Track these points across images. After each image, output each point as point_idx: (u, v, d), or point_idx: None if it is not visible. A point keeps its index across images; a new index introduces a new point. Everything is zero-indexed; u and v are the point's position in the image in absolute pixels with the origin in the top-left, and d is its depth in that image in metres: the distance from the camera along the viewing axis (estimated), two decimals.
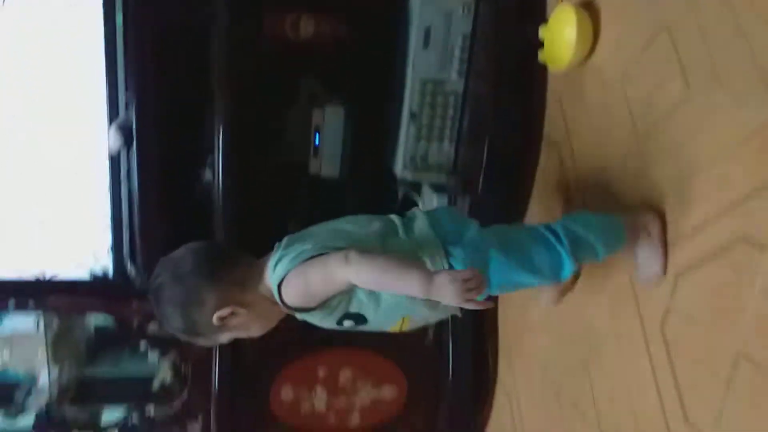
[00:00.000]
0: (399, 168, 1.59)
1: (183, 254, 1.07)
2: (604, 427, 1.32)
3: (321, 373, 1.77)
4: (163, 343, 1.85)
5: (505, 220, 1.35)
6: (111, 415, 2.01)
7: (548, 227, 1.12)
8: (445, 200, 1.58)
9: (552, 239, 1.09)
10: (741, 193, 0.93)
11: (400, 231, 1.09)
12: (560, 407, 1.50)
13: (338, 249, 0.99)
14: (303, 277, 1.00)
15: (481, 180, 1.52)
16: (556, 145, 1.52)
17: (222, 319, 1.04)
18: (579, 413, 1.42)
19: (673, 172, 1.10)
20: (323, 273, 0.98)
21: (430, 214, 1.13)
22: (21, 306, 1.78)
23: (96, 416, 2.02)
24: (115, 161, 1.69)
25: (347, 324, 1.08)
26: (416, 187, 1.63)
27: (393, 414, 1.84)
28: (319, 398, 1.78)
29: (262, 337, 1.13)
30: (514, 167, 1.59)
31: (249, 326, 1.09)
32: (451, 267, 1.03)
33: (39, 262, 1.87)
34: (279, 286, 1.02)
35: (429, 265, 1.02)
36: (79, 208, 1.88)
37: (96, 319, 1.96)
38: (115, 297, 1.81)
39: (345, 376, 1.79)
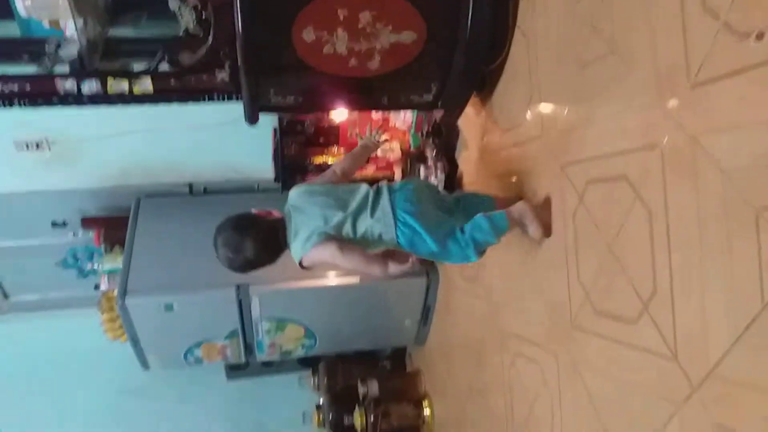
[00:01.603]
0: None
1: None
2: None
3: (341, 15, 1.78)
4: None
5: None
6: (140, 66, 2.10)
7: (461, 230, 1.70)
8: None
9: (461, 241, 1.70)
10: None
11: (368, 209, 1.68)
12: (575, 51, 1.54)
13: (329, 235, 1.65)
14: (311, 260, 1.67)
15: None
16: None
17: None
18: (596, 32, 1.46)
19: None
20: (323, 256, 1.65)
21: (391, 191, 1.71)
22: None
23: (127, 66, 2.11)
24: None
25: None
26: None
27: (411, 58, 1.89)
28: (341, 40, 1.82)
29: None
30: None
31: None
32: (398, 237, 1.67)
33: None
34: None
35: (384, 236, 1.68)
36: None
37: None
38: None
39: (365, 18, 1.80)
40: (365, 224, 1.67)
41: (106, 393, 3.58)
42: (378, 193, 1.71)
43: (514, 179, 1.97)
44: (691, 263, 1.17)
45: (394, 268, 1.64)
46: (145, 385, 3.58)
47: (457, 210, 1.82)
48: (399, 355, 3.58)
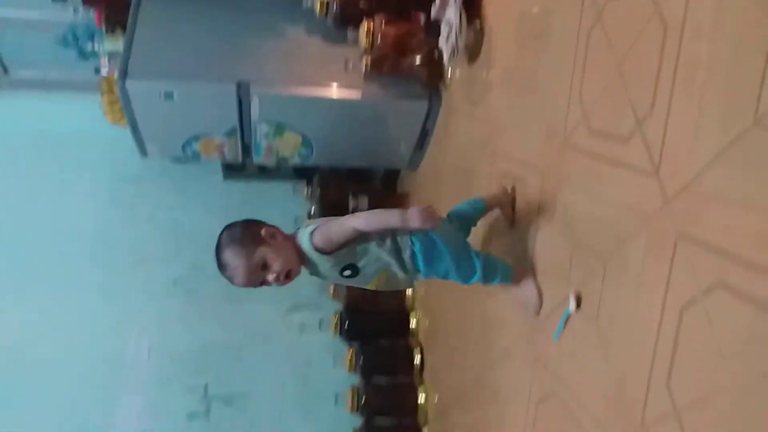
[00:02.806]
0: None
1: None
2: None
3: None
4: None
5: None
6: None
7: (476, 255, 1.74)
8: None
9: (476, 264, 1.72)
10: None
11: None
12: None
13: None
14: (326, 227, 1.57)
15: None
16: None
17: (269, 233, 1.59)
18: None
19: None
20: (339, 224, 1.56)
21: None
22: None
23: None
24: None
25: (346, 274, 1.63)
26: None
27: None
28: None
29: None
30: None
31: (279, 251, 1.56)
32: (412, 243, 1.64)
33: None
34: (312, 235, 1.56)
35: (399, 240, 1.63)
36: None
37: None
38: None
39: None
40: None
41: (105, 178, 3.69)
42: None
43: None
44: (695, 79, 1.17)
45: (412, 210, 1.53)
46: (143, 175, 3.69)
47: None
48: (391, 177, 3.68)
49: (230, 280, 1.58)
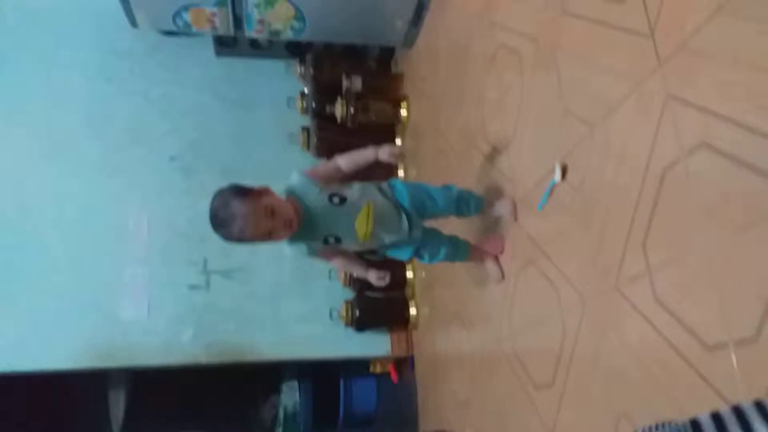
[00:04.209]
0: None
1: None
2: None
3: None
4: None
5: None
6: None
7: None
8: None
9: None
10: None
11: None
12: None
13: None
14: (314, 167, 1.82)
15: None
16: None
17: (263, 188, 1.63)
18: None
19: None
20: (325, 164, 1.83)
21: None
22: None
23: None
24: None
25: (334, 201, 1.72)
26: None
27: None
28: None
29: None
30: None
31: (280, 200, 1.64)
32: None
33: None
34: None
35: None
36: None
37: None
38: None
39: None
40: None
41: (96, 52, 3.59)
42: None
43: None
44: None
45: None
46: (134, 49, 3.59)
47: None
48: (386, 56, 3.59)
49: (238, 234, 1.57)
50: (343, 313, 3.16)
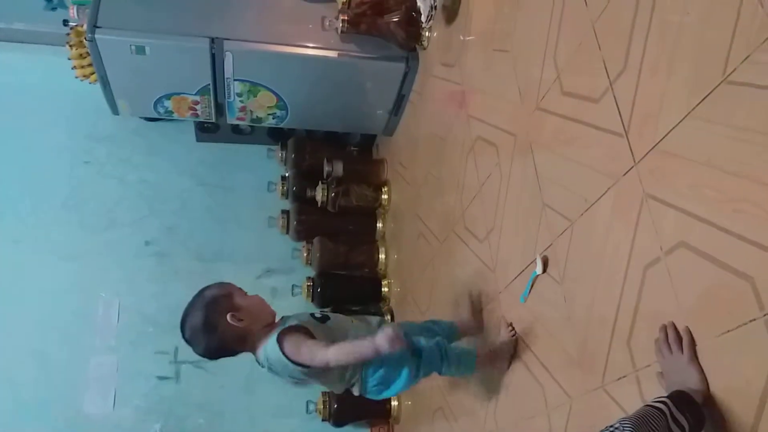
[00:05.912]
0: None
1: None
2: None
3: None
4: None
5: None
6: None
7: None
8: None
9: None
10: None
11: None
12: None
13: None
14: (297, 342, 1.59)
15: None
16: None
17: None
18: None
19: None
20: (310, 351, 1.57)
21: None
22: None
23: None
24: None
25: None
26: None
27: None
28: None
29: None
30: None
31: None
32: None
33: None
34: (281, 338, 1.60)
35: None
36: None
37: None
38: None
39: None
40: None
41: (75, 136, 3.60)
42: None
43: None
44: (667, 39, 1.16)
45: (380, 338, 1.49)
46: (115, 134, 3.61)
47: None
48: (367, 143, 3.65)
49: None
50: (320, 406, 3.02)
